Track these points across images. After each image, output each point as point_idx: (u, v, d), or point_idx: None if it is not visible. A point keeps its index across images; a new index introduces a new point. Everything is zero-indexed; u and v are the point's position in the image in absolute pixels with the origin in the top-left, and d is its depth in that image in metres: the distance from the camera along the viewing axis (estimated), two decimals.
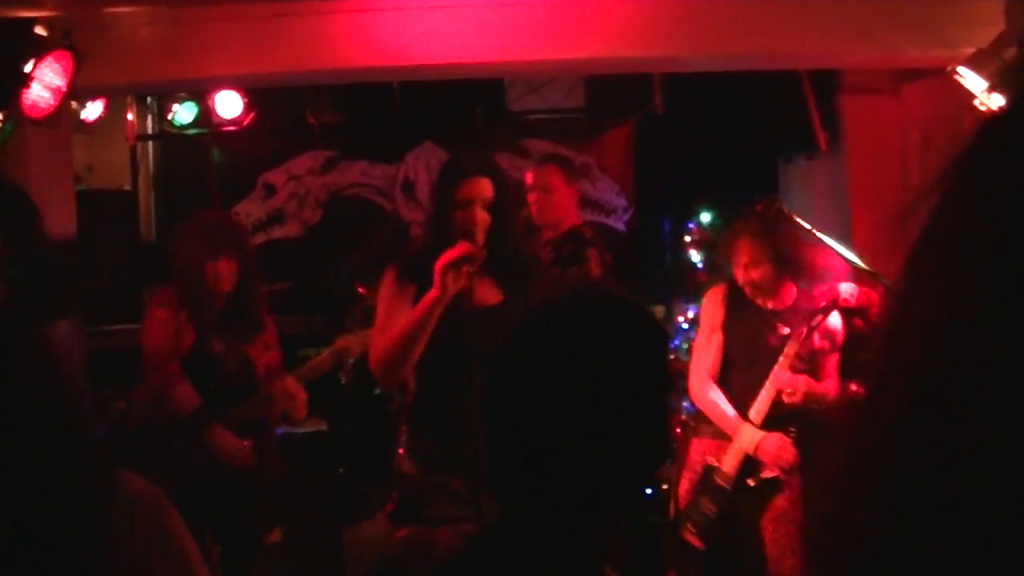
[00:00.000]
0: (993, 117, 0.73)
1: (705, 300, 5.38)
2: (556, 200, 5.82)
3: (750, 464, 4.92)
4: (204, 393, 4.85)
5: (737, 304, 5.15)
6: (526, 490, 1.73)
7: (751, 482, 4.92)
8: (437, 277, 3.87)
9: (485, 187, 4.07)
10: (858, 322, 5.66)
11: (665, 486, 5.56)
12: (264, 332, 5.11)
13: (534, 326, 1.82)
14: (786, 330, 4.95)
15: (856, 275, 5.06)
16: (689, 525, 5.01)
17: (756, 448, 4.85)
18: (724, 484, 4.93)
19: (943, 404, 0.67)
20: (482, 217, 4.04)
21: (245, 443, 4.85)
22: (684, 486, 5.09)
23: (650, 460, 1.79)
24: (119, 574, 1.59)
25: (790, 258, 5.02)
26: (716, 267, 5.63)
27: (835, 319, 5.04)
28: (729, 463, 4.93)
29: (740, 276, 5.07)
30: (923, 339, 0.70)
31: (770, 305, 5.06)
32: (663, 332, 1.90)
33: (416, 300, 4.01)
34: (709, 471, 4.99)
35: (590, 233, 6.02)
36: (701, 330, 5.29)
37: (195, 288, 4.87)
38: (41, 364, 1.19)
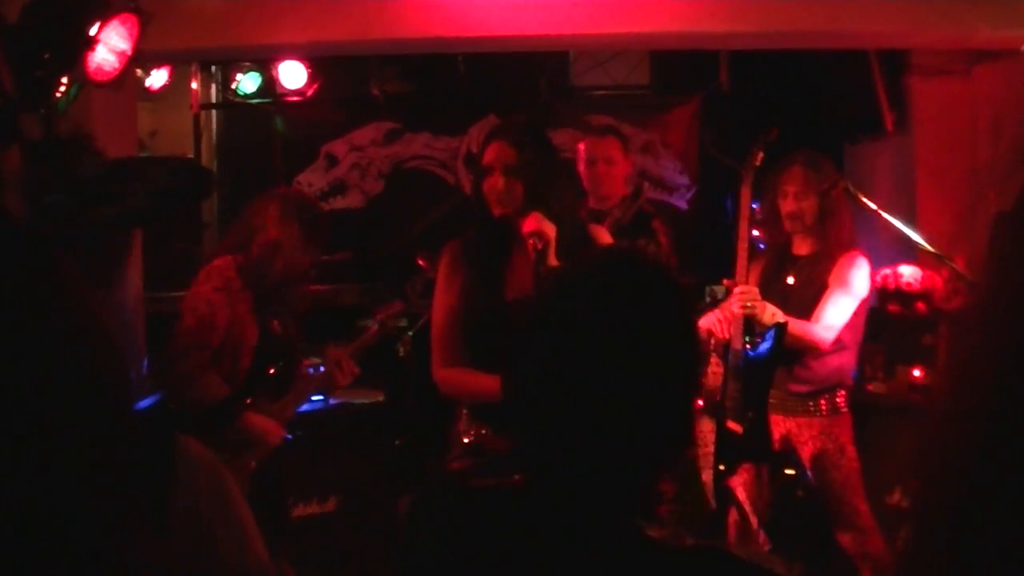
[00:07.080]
0: None
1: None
2: (616, 172, 5.78)
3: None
4: (264, 373, 4.83)
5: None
6: (551, 449, 1.73)
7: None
8: None
9: (502, 151, 3.80)
10: (921, 306, 5.59)
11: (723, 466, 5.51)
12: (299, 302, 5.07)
13: (564, 289, 1.83)
14: None
15: (921, 258, 4.98)
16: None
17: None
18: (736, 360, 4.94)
19: None
20: (504, 184, 3.78)
21: (274, 422, 4.80)
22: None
23: (673, 416, 1.75)
24: (183, 538, 1.58)
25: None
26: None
27: None
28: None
29: (784, 206, 5.20)
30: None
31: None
32: (688, 300, 1.88)
33: (464, 286, 3.89)
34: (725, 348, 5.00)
35: (650, 207, 5.99)
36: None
37: (279, 272, 4.78)
38: (66, 293, 1.10)
